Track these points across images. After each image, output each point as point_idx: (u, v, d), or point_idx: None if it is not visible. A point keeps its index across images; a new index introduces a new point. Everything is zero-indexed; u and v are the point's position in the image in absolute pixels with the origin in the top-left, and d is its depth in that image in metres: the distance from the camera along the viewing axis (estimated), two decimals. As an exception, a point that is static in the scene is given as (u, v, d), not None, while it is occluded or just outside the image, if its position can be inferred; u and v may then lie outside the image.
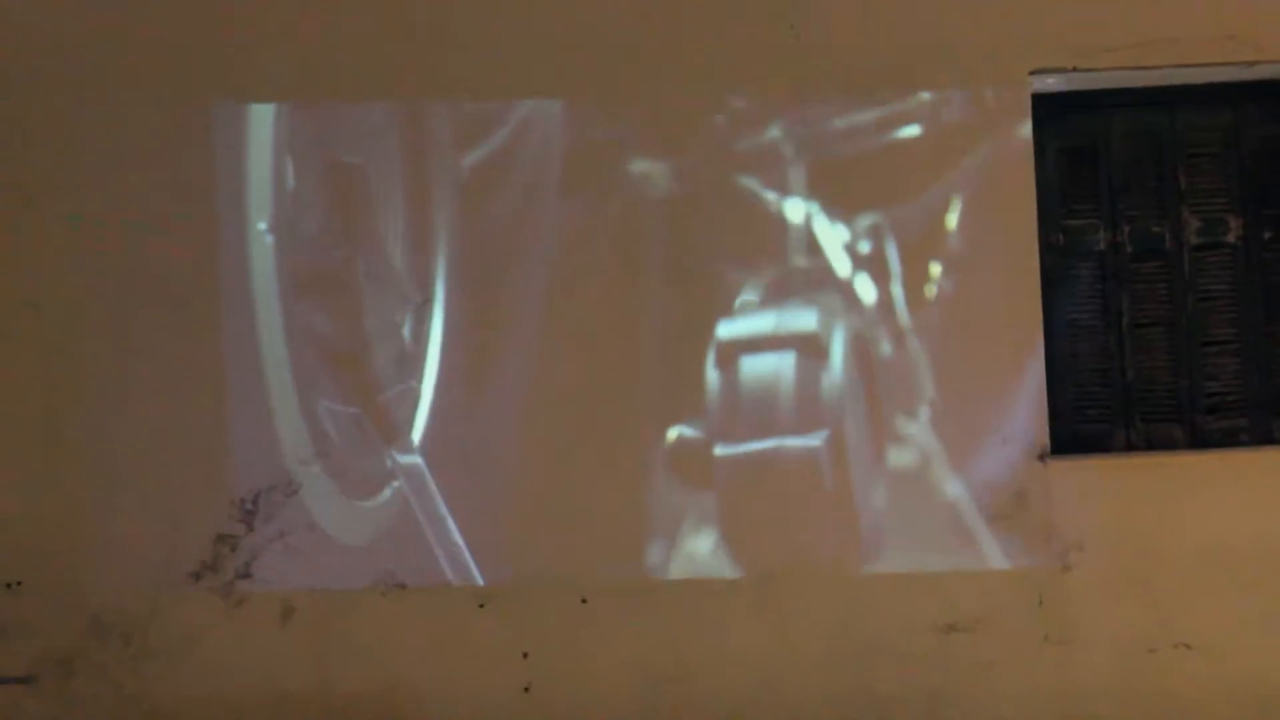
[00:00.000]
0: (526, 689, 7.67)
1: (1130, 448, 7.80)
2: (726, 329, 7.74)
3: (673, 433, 7.73)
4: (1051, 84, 7.80)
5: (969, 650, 7.62)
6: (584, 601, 7.69)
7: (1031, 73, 7.77)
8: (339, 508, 7.70)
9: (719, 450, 7.72)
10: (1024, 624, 7.64)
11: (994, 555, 7.66)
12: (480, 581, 7.68)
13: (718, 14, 7.80)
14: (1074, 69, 7.78)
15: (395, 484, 7.74)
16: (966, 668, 7.62)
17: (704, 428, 7.71)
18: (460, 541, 7.72)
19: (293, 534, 7.71)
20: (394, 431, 7.75)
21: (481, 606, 7.70)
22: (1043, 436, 7.67)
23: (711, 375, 7.73)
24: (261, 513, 7.70)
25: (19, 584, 7.70)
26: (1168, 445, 7.81)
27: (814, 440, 7.67)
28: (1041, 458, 7.66)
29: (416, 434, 7.75)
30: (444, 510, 7.72)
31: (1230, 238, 7.88)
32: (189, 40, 7.84)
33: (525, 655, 7.68)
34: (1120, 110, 7.92)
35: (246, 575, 7.70)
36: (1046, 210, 7.83)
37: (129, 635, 7.69)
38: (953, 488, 7.67)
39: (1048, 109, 7.83)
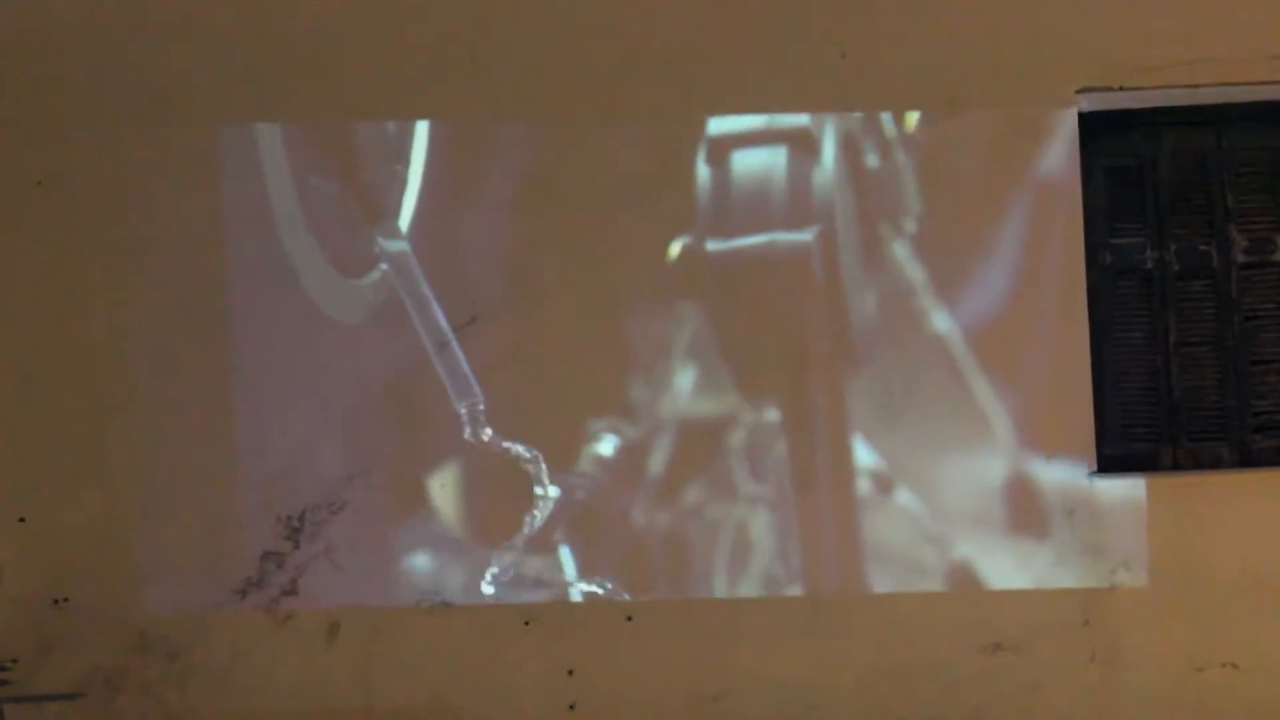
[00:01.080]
0: (571, 707, 7.67)
1: (1177, 466, 7.78)
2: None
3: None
4: (1098, 103, 7.79)
5: (1014, 670, 7.61)
6: (629, 619, 7.69)
7: (1078, 91, 7.76)
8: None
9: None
10: (1070, 644, 7.62)
11: (1040, 574, 7.64)
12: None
13: (768, 35, 7.79)
14: (1121, 88, 7.77)
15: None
16: (1012, 688, 7.60)
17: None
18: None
19: (338, 551, 7.72)
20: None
21: (526, 624, 7.71)
22: (1090, 455, 7.65)
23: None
24: (307, 530, 7.72)
25: (66, 600, 7.72)
26: (1215, 464, 7.78)
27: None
28: (1089, 476, 7.64)
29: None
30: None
31: (1278, 256, 7.85)
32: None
33: (570, 673, 7.68)
34: (1167, 129, 7.89)
35: (292, 592, 7.72)
36: (1093, 229, 7.82)
37: (175, 652, 7.71)
38: (1000, 507, 7.65)
39: (1095, 128, 7.82)
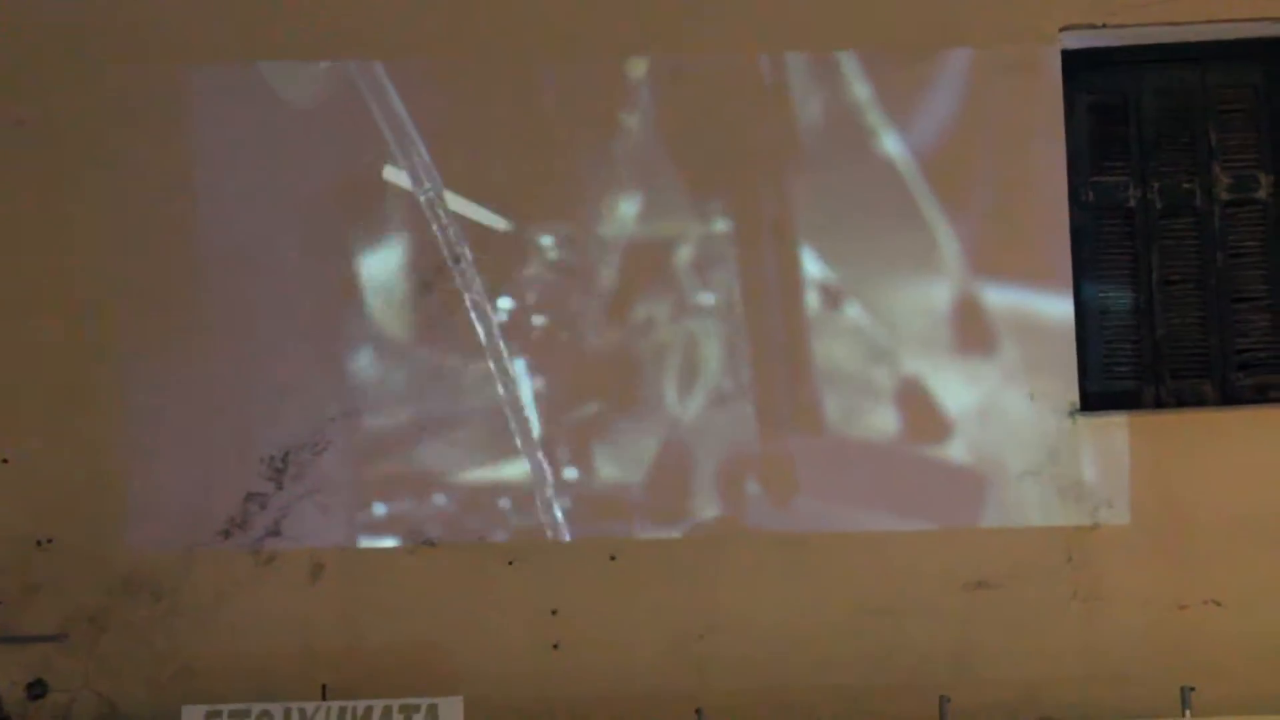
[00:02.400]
0: (555, 646, 7.69)
1: (1160, 404, 7.79)
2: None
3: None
4: (1082, 40, 7.78)
5: (997, 608, 7.63)
6: (613, 558, 7.70)
7: (1062, 29, 7.75)
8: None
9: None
10: (1053, 581, 7.64)
11: (1023, 512, 7.65)
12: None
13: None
14: (1104, 25, 7.76)
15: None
16: (995, 625, 7.62)
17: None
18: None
19: (322, 492, 7.72)
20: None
21: (511, 564, 7.71)
22: (1072, 393, 7.66)
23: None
24: (291, 470, 7.72)
25: (50, 541, 7.72)
26: (1198, 402, 7.80)
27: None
28: (1071, 414, 7.65)
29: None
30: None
31: (1261, 194, 7.86)
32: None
33: (554, 612, 7.69)
34: (1151, 66, 7.89)
35: (276, 533, 7.72)
36: (1076, 167, 7.82)
37: (159, 593, 7.71)
38: (982, 445, 7.65)
39: (1078, 65, 7.81)
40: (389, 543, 7.72)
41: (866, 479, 7.70)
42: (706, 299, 7.77)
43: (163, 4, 7.87)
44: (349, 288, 7.80)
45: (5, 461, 7.75)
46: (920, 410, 7.71)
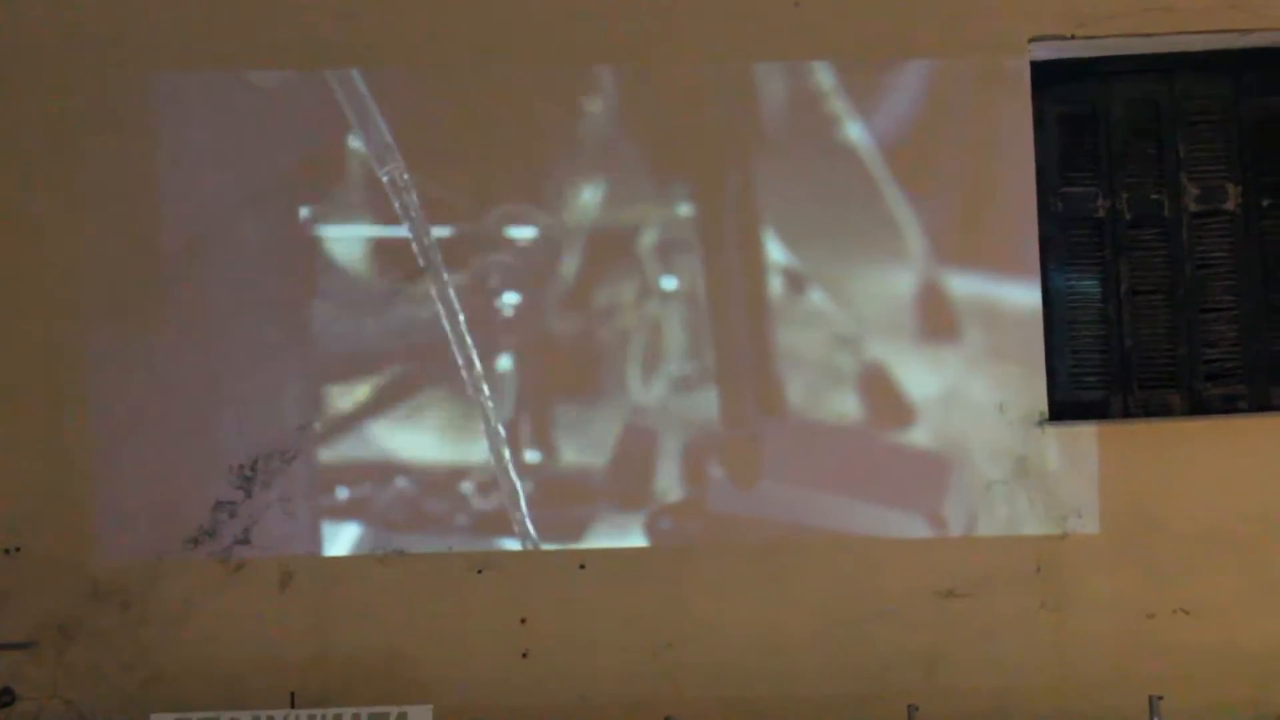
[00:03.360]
0: (524, 655, 7.69)
1: (1128, 414, 7.82)
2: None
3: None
4: (1051, 51, 7.81)
5: (967, 616, 7.65)
6: (582, 567, 7.70)
7: (1031, 40, 7.78)
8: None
9: None
10: (1022, 590, 7.66)
11: (992, 522, 7.67)
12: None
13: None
14: (1073, 36, 7.79)
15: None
16: (965, 633, 7.64)
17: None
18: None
19: (291, 500, 7.71)
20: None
21: (480, 573, 7.71)
22: (1041, 403, 7.68)
23: None
24: (260, 479, 7.71)
25: (18, 549, 7.70)
26: (1166, 412, 7.82)
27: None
28: (1040, 424, 7.67)
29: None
30: None
31: (1229, 205, 7.89)
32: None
33: (523, 621, 7.69)
34: (1119, 78, 7.93)
35: (245, 541, 7.71)
36: (1045, 177, 7.84)
37: (128, 601, 7.70)
38: (951, 455, 7.67)
39: (1047, 76, 7.84)
40: (353, 531, 7.70)
41: (831, 463, 7.71)
42: (670, 284, 7.79)
43: (130, 11, 7.85)
44: (315, 287, 7.79)
45: (-27, 469, 7.74)
46: (884, 396, 7.72)
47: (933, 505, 7.70)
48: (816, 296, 7.75)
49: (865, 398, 7.72)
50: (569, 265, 7.80)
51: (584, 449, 7.74)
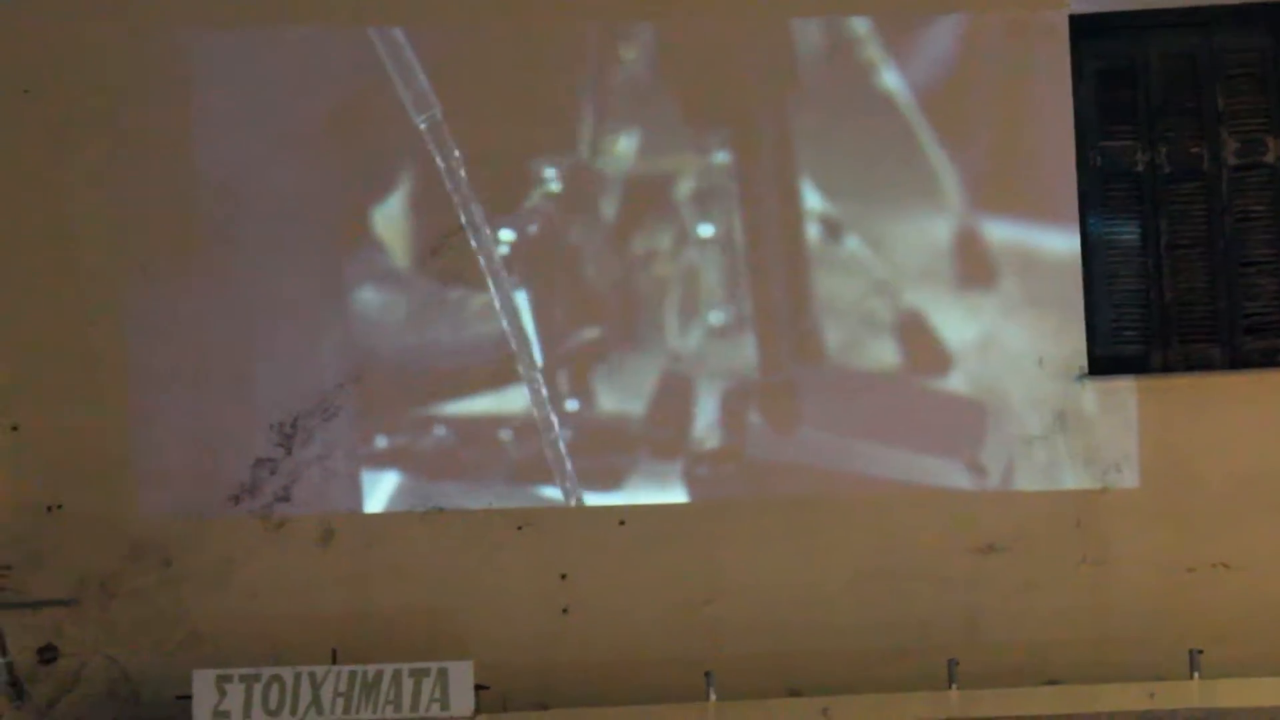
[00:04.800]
0: (565, 610, 7.70)
1: (1168, 368, 7.80)
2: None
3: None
4: (1089, 5, 7.78)
5: (1006, 571, 7.65)
6: (621, 523, 7.71)
7: (1070, -7, 7.77)
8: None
9: None
10: (1061, 545, 7.67)
11: (1031, 476, 7.66)
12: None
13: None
14: (1112, -11, 7.78)
15: None
16: (1003, 589, 7.64)
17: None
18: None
19: (331, 457, 7.73)
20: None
21: (520, 529, 7.72)
22: (1081, 357, 7.67)
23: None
24: (300, 436, 7.73)
25: (60, 507, 7.73)
26: (1206, 366, 7.80)
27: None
28: (1079, 378, 7.66)
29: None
30: None
31: (1269, 158, 7.86)
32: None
33: (563, 577, 7.71)
34: (1158, 31, 7.89)
35: (285, 499, 7.73)
36: (1084, 131, 7.82)
37: (169, 559, 7.73)
38: (989, 402, 7.66)
39: (1086, 30, 7.81)
40: (393, 484, 7.72)
41: (869, 410, 7.73)
42: (707, 231, 7.78)
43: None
44: (355, 243, 7.80)
45: (15, 429, 7.75)
46: (922, 343, 7.74)
47: (971, 453, 7.69)
48: (853, 243, 7.75)
49: (903, 345, 7.73)
50: (607, 213, 7.79)
51: (622, 397, 7.75)
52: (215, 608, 7.70)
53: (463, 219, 7.78)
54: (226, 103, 7.82)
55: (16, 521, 7.71)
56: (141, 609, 7.71)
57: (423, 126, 7.77)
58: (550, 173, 7.80)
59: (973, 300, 7.73)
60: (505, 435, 7.76)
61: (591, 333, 7.79)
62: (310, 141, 7.83)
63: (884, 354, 7.74)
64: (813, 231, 7.77)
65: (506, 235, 7.81)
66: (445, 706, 7.06)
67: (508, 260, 7.80)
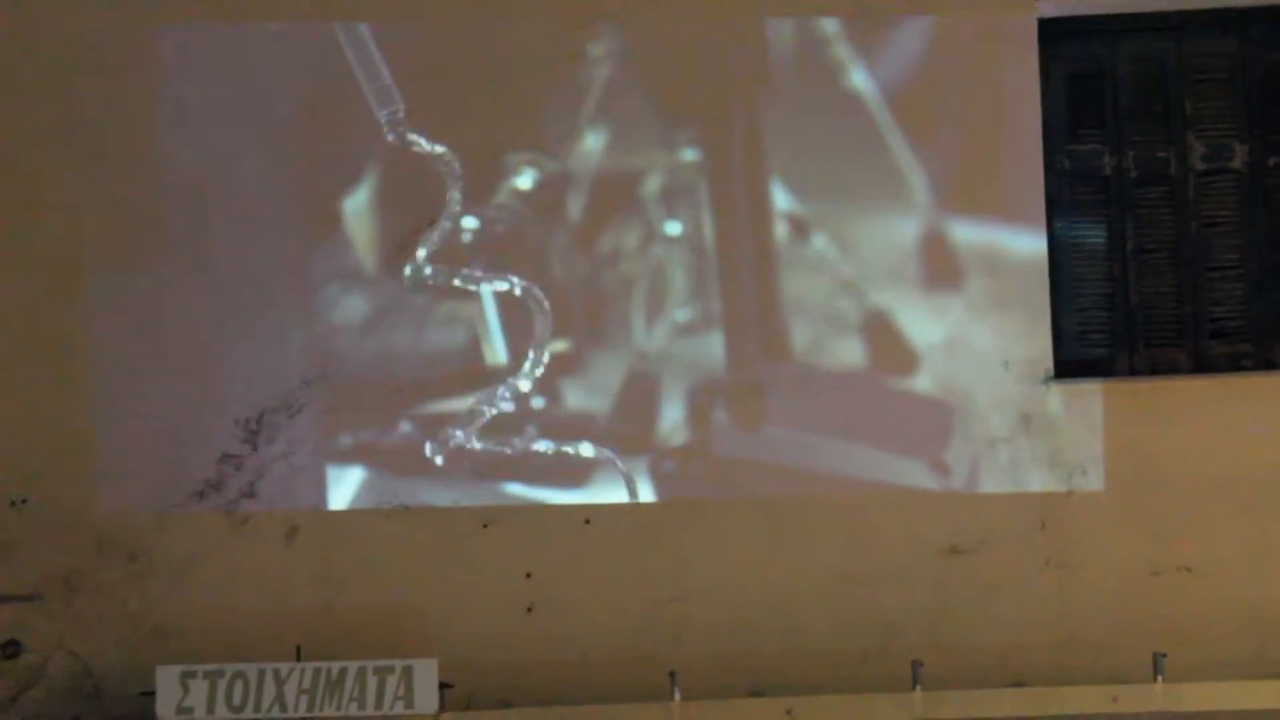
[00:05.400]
0: (529, 609, 7.70)
1: (1134, 372, 7.82)
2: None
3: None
4: (1058, 8, 7.80)
5: (971, 573, 7.67)
6: (587, 522, 7.71)
7: (1038, -4, 7.80)
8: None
9: None
10: (1026, 547, 7.68)
11: (997, 478, 7.68)
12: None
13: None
14: (1081, -7, 7.80)
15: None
16: (968, 591, 7.66)
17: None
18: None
19: (297, 454, 7.72)
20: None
21: (485, 527, 7.72)
22: (1047, 360, 7.69)
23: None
24: (265, 432, 7.72)
25: (24, 501, 7.71)
26: (1171, 369, 7.83)
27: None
28: (1045, 381, 7.68)
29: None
30: None
31: (1235, 164, 7.88)
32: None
33: (528, 576, 7.71)
34: (1127, 35, 7.92)
35: (251, 495, 7.72)
36: (1052, 134, 7.84)
37: (134, 553, 7.71)
38: (954, 403, 7.68)
39: (1054, 33, 7.83)
40: (358, 482, 7.71)
41: (834, 409, 7.74)
42: (674, 229, 7.80)
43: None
44: (321, 240, 7.80)
45: (-21, 423, 7.75)
46: (888, 343, 7.75)
47: (937, 454, 7.70)
48: (821, 243, 7.75)
49: (869, 345, 7.73)
50: (574, 211, 7.79)
51: (588, 395, 7.75)
52: (180, 604, 7.68)
53: (430, 217, 7.77)
54: (194, 97, 7.80)
55: (-19, 516, 7.70)
56: (106, 604, 7.70)
57: (387, 123, 7.76)
58: (518, 170, 7.79)
59: (939, 301, 7.73)
60: (471, 433, 7.74)
61: (558, 330, 7.78)
62: (278, 138, 7.81)
63: (850, 354, 7.74)
64: (780, 230, 7.78)
65: (472, 231, 7.80)
66: (410, 704, 7.05)
67: (473, 257, 7.79)
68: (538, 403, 7.76)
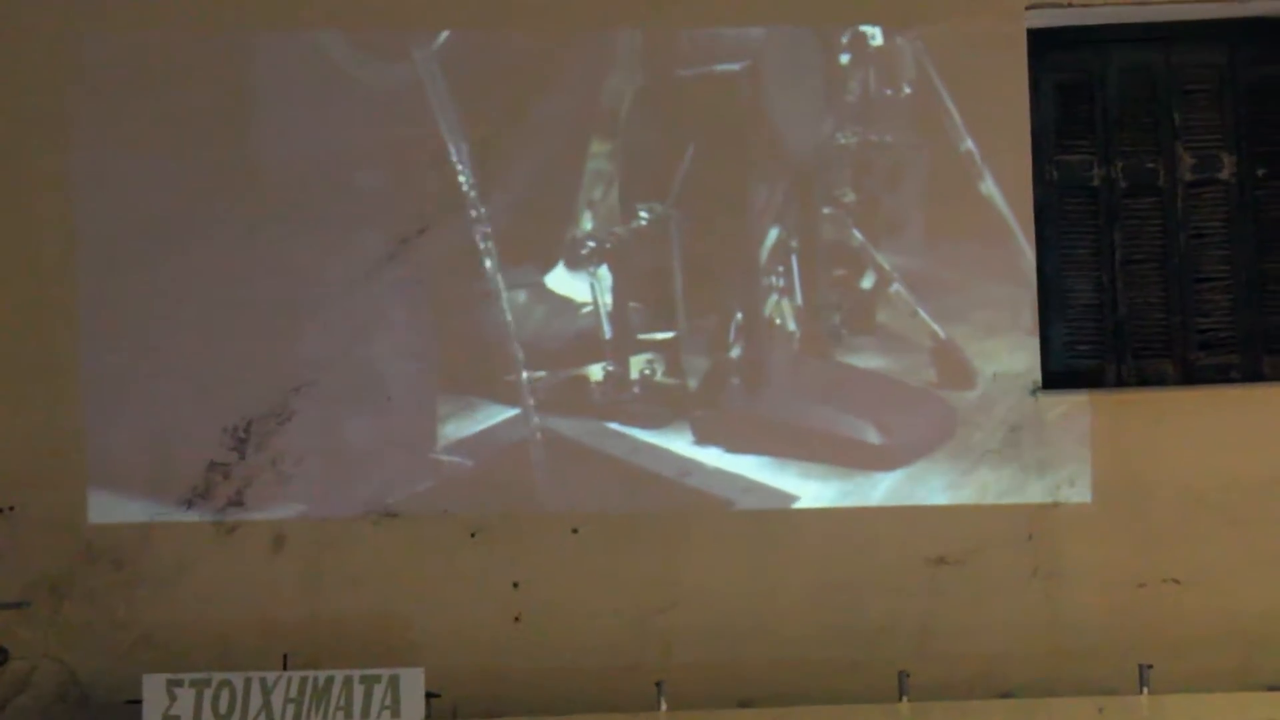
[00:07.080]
0: (517, 619, 7.70)
1: (1121, 383, 7.83)
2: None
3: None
4: (1047, 19, 7.81)
5: (959, 583, 7.66)
6: (574, 531, 7.71)
7: (1028, 7, 7.79)
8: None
9: None
10: (1013, 558, 7.68)
11: (984, 489, 7.68)
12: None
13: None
14: (1070, 4, 7.79)
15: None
16: (956, 601, 7.66)
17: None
18: None
19: (284, 462, 7.72)
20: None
21: (473, 536, 7.72)
22: (1034, 371, 7.69)
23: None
24: (254, 441, 7.71)
25: (11, 509, 7.70)
26: (1159, 381, 7.83)
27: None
28: (1033, 392, 7.68)
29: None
30: None
31: (1224, 175, 7.89)
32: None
33: (515, 585, 7.70)
34: (1116, 46, 7.93)
35: (238, 503, 7.72)
36: (1041, 145, 7.84)
37: (121, 562, 7.70)
38: (945, 421, 7.67)
39: (1044, 44, 7.83)
40: (347, 491, 7.72)
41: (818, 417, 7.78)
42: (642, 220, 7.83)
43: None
44: (310, 246, 7.79)
45: (-33, 430, 7.74)
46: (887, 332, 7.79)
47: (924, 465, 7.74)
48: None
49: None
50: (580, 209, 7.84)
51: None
52: (167, 612, 7.67)
53: (422, 223, 7.77)
54: (185, 107, 7.79)
55: (-32, 523, 7.70)
56: (93, 612, 7.68)
57: (382, 129, 7.77)
58: (514, 174, 7.79)
59: (927, 312, 7.72)
60: (459, 441, 7.74)
61: (549, 340, 7.78)
62: (270, 143, 7.80)
63: (836, 368, 7.75)
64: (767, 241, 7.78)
65: (468, 238, 7.80)
66: (396, 713, 7.04)
67: (465, 266, 7.79)
68: (526, 411, 7.76)
